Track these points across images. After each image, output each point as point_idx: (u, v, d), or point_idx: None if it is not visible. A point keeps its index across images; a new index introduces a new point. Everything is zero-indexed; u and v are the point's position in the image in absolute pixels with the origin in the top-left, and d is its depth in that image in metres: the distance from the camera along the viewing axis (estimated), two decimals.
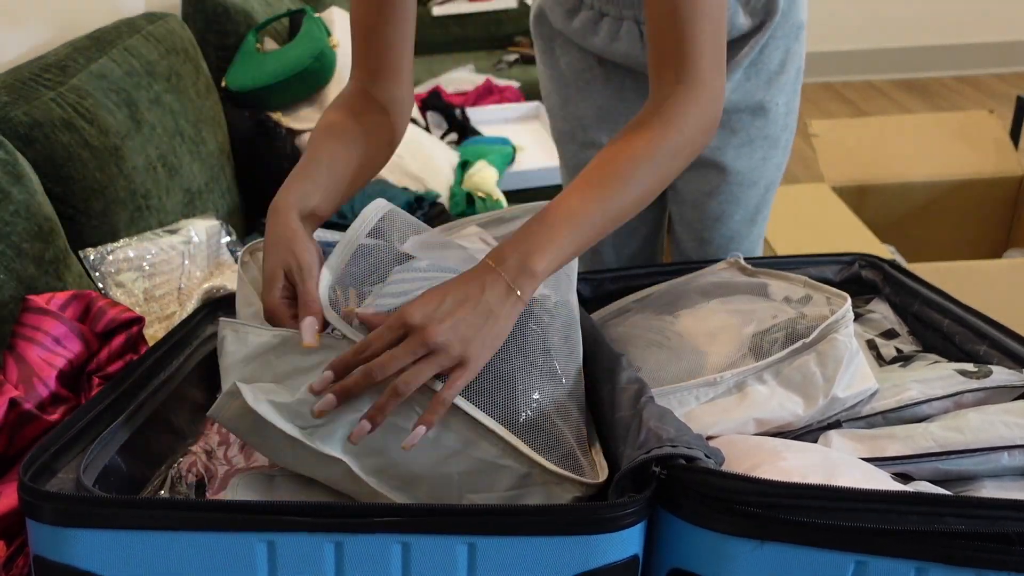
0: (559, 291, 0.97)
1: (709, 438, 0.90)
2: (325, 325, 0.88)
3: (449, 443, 0.82)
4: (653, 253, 1.58)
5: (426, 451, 0.81)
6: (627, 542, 0.73)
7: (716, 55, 0.98)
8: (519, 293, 0.84)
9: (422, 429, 0.79)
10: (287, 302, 0.92)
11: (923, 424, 0.94)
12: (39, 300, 1.07)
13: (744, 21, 1.29)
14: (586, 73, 1.42)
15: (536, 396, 0.86)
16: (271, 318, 0.91)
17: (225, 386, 0.86)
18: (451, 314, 0.81)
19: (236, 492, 0.84)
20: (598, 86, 1.42)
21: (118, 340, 1.11)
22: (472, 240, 1.06)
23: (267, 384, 0.84)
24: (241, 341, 0.88)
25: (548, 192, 2.28)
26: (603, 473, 0.82)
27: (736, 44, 1.33)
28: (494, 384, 0.85)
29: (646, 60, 1.29)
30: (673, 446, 0.74)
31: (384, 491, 0.82)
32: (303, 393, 0.81)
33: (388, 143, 1.13)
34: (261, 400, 0.81)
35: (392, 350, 0.80)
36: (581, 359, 0.96)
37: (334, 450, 0.81)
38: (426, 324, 0.80)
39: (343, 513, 0.72)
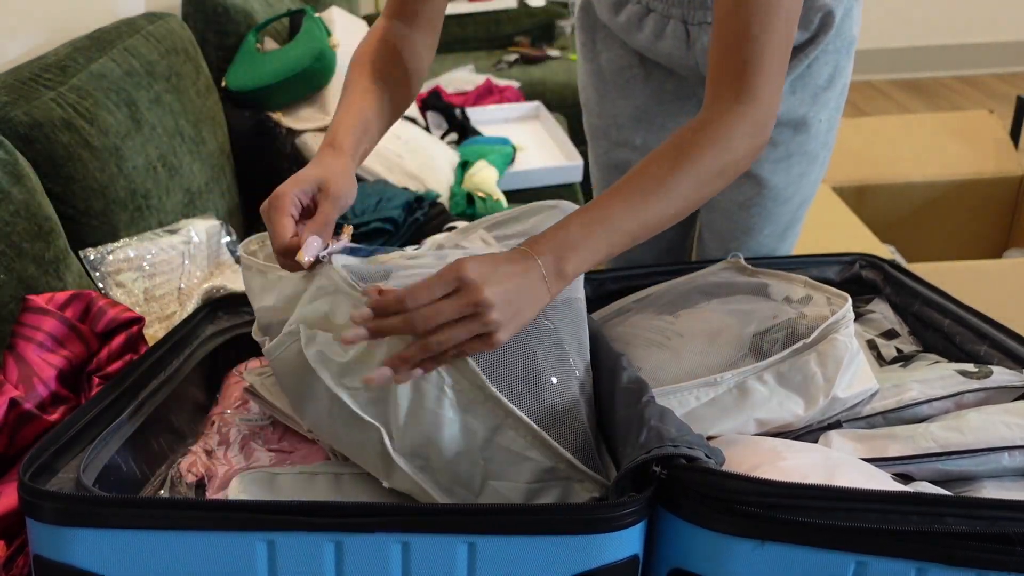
0: (570, 288, 0.97)
1: (709, 438, 0.90)
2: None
3: (476, 428, 0.82)
4: (679, 259, 1.55)
5: (455, 434, 0.82)
6: (627, 542, 0.73)
7: (778, 76, 0.97)
8: (549, 289, 0.85)
9: (418, 371, 0.79)
10: (294, 220, 0.91)
11: (923, 424, 0.94)
12: (39, 300, 1.07)
13: (797, 34, 1.25)
14: (626, 71, 1.38)
15: (557, 390, 0.87)
16: (273, 214, 0.89)
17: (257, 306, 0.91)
18: (502, 282, 0.81)
19: (237, 492, 0.84)
20: (637, 85, 1.38)
21: (118, 340, 1.11)
22: (473, 241, 1.07)
23: (326, 335, 0.84)
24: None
25: (548, 192, 2.28)
26: (614, 472, 0.82)
27: None
28: (520, 376, 0.85)
29: (689, 62, 1.27)
30: (674, 446, 0.74)
31: (407, 469, 0.83)
32: (354, 353, 0.82)
33: (410, 96, 1.12)
34: (313, 349, 0.82)
35: (440, 304, 0.79)
36: (589, 357, 0.96)
37: (371, 415, 0.82)
38: (482, 283, 0.79)
39: (343, 512, 0.72)
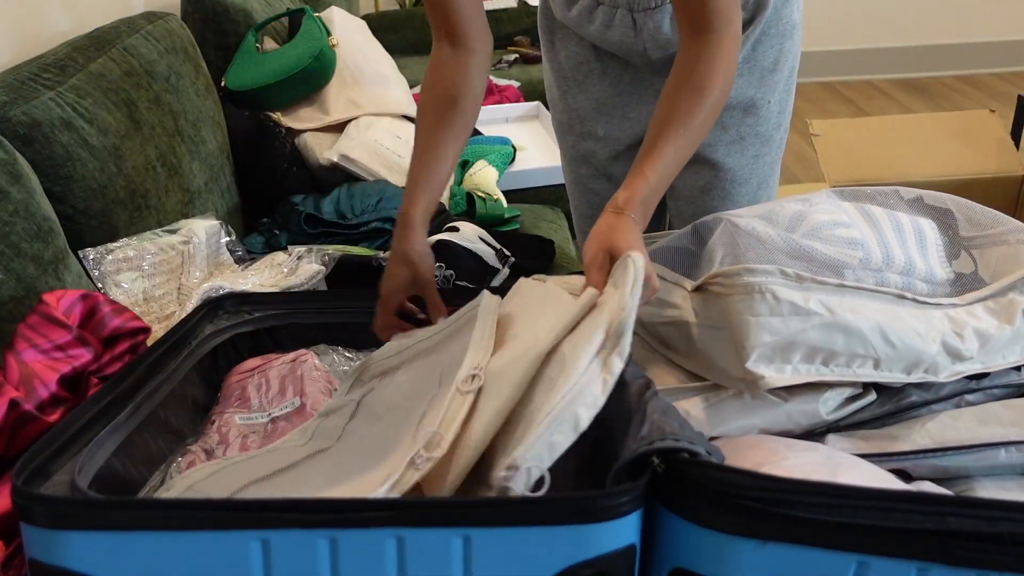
0: None
1: (712, 439, 0.90)
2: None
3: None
4: None
5: None
6: (623, 531, 0.73)
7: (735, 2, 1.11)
8: (642, 230, 1.02)
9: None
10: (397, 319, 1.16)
11: (920, 421, 0.94)
12: (51, 301, 1.07)
13: None
14: (584, 66, 1.45)
15: None
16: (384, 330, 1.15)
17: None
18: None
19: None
20: (595, 79, 1.44)
21: (122, 346, 1.10)
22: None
23: None
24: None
25: (548, 192, 2.29)
26: None
27: None
28: None
29: (638, 48, 1.35)
30: (675, 439, 0.74)
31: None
32: None
33: (470, 123, 1.26)
34: None
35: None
36: None
37: None
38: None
39: (336, 508, 0.72)
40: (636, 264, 0.88)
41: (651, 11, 1.31)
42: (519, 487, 0.70)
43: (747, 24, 1.32)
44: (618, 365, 0.77)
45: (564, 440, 0.73)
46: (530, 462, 0.70)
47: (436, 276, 1.21)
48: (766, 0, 1.31)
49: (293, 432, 0.99)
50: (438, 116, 1.21)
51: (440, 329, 1.05)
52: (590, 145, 1.50)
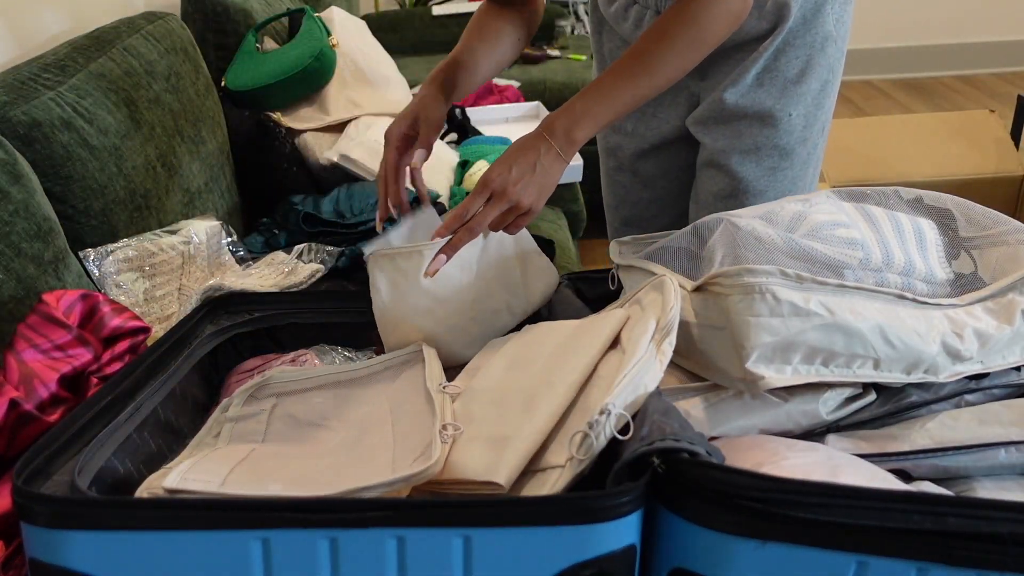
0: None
1: (712, 439, 0.90)
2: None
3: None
4: None
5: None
6: (623, 531, 0.73)
7: None
8: (564, 156, 1.11)
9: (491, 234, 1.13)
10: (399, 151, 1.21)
11: (920, 421, 0.94)
12: (51, 301, 1.07)
13: (756, 24, 1.27)
14: None
15: None
16: (385, 148, 1.21)
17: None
18: (520, 177, 1.08)
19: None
20: None
21: (122, 346, 1.10)
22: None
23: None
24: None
25: None
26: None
27: (747, 47, 1.32)
28: None
29: None
30: (675, 439, 0.74)
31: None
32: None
33: (519, 44, 1.34)
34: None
35: (483, 210, 1.07)
36: None
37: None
38: (505, 186, 1.07)
39: (337, 508, 0.72)
40: (672, 284, 0.96)
41: None
42: (609, 429, 0.77)
43: (768, 33, 1.29)
44: (669, 350, 0.87)
45: (637, 400, 0.82)
46: (619, 408, 0.78)
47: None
48: (788, 10, 1.28)
49: (203, 433, 0.99)
50: (479, 29, 1.30)
51: (355, 368, 1.09)
52: (618, 139, 1.54)
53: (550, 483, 0.79)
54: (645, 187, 1.57)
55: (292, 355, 1.16)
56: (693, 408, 0.95)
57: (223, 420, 1.00)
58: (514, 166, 1.08)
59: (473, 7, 3.55)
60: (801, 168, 1.41)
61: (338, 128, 2.09)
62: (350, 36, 2.26)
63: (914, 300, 0.97)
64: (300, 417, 1.00)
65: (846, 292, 0.94)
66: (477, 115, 2.61)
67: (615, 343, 0.95)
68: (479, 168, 2.16)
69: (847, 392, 0.95)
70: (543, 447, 0.83)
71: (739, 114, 1.35)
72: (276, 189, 1.92)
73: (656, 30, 1.14)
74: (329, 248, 1.65)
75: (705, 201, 1.44)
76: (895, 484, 0.82)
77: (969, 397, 0.97)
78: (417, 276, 1.08)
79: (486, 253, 1.14)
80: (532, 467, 0.82)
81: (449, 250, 1.07)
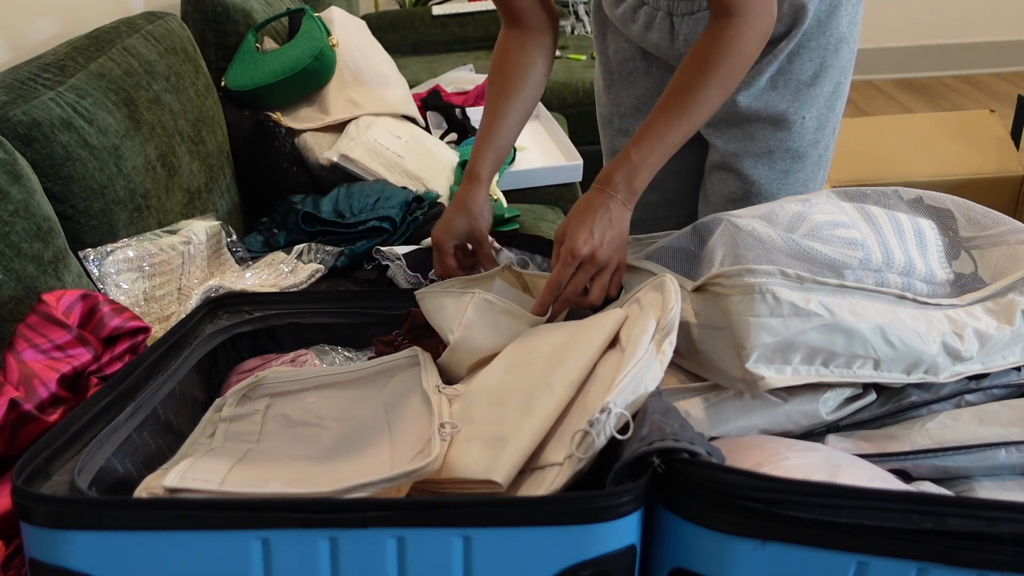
0: None
1: (712, 439, 0.90)
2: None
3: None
4: None
5: None
6: (623, 531, 0.73)
7: None
8: (628, 207, 1.12)
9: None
10: (458, 264, 1.23)
11: (920, 421, 0.94)
12: (51, 301, 1.07)
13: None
14: (629, 63, 1.48)
15: None
16: (439, 266, 1.23)
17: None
18: (602, 235, 1.09)
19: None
20: (639, 77, 1.47)
21: (122, 346, 1.10)
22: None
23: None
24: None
25: (548, 192, 2.28)
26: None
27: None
28: None
29: (674, 53, 1.38)
30: (675, 439, 0.74)
31: None
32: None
33: (535, 95, 1.34)
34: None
35: (575, 278, 1.08)
36: None
37: None
38: (593, 251, 1.08)
39: (337, 508, 0.72)
40: (673, 285, 0.95)
41: (688, 16, 1.31)
42: (609, 428, 0.77)
43: (783, 36, 1.29)
44: (669, 350, 0.87)
45: (638, 400, 0.81)
46: (619, 407, 0.78)
47: (497, 252, 1.32)
48: (804, 11, 1.27)
49: (197, 433, 0.99)
50: (503, 86, 1.29)
51: (348, 370, 1.09)
52: (623, 142, 1.53)
53: (548, 481, 0.79)
54: (654, 189, 1.57)
55: (292, 355, 1.16)
56: (693, 408, 0.95)
57: (217, 420, 1.00)
58: (594, 228, 1.08)
59: (473, 7, 3.55)
60: (812, 171, 1.41)
61: (338, 128, 2.08)
62: (350, 36, 2.26)
63: (914, 300, 0.97)
64: (294, 417, 1.00)
65: (846, 292, 0.94)
66: (477, 115, 2.61)
67: (614, 342, 0.95)
68: None
69: (847, 392, 0.95)
70: (542, 445, 0.83)
71: (752, 117, 1.35)
72: (276, 189, 1.92)
73: (693, 63, 1.13)
74: (329, 248, 1.65)
75: (716, 203, 1.44)
76: (895, 484, 0.82)
77: (969, 397, 0.97)
78: (508, 336, 1.06)
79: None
80: (530, 465, 0.82)
81: (552, 320, 1.08)
